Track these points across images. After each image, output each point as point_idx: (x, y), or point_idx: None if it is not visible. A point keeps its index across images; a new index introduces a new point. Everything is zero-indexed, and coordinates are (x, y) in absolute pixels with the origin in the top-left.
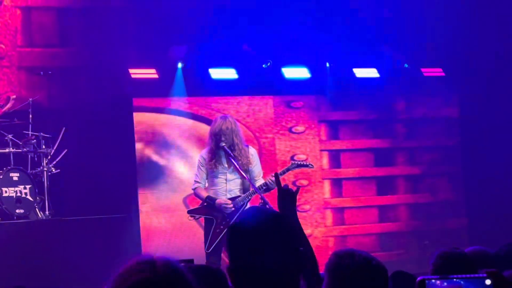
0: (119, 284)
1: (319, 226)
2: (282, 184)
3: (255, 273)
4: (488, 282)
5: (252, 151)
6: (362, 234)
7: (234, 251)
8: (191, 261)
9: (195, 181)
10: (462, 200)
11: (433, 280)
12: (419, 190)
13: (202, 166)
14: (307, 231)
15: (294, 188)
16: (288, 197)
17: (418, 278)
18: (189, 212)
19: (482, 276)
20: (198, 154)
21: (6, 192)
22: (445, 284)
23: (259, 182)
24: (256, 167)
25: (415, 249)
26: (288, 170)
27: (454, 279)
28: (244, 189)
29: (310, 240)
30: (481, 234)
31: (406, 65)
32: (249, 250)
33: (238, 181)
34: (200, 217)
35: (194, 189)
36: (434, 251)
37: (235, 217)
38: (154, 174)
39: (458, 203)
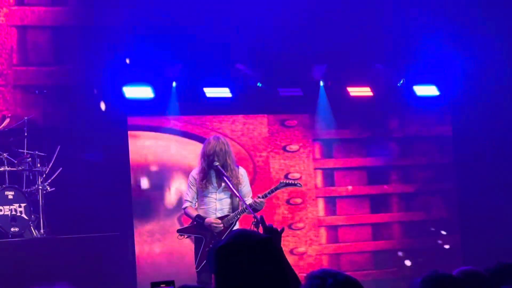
0: None
1: (313, 244)
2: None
3: None
4: None
5: (242, 171)
6: (356, 252)
7: (220, 273)
8: (171, 282)
9: (185, 200)
10: (456, 217)
11: None
12: (413, 208)
13: (192, 185)
14: (301, 249)
15: (280, 228)
16: (273, 236)
17: None
18: (178, 231)
19: None
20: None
21: (1, 210)
22: None
23: (248, 202)
24: (245, 187)
25: (409, 267)
26: (276, 189)
27: None
28: (233, 208)
29: (303, 258)
30: (474, 252)
31: (400, 83)
32: (234, 271)
33: (228, 200)
34: (190, 236)
35: (184, 208)
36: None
37: (224, 236)
38: (149, 192)
39: (451, 220)
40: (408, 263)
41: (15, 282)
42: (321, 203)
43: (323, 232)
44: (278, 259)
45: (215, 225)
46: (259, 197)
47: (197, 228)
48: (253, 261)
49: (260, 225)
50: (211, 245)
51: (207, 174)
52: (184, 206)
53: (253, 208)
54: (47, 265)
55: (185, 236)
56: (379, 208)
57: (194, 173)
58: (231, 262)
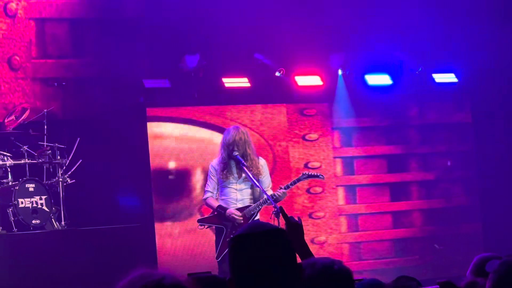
0: None
1: (333, 233)
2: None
3: (253, 286)
4: None
5: (262, 162)
6: (376, 240)
7: (234, 263)
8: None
9: (206, 190)
10: (477, 205)
11: None
12: (433, 195)
13: (213, 176)
14: (321, 238)
15: (299, 220)
16: (296, 229)
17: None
18: (199, 221)
19: None
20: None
21: (22, 203)
22: None
23: (268, 193)
24: (266, 178)
25: (430, 254)
26: (299, 180)
27: None
28: (254, 199)
29: (324, 247)
30: (495, 239)
31: (418, 70)
32: (248, 262)
33: (249, 190)
34: (210, 226)
35: (205, 199)
36: (456, 257)
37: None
38: (168, 183)
39: (472, 208)
40: (437, 246)
41: (36, 274)
42: (341, 192)
43: (343, 220)
44: (291, 251)
45: (235, 216)
46: (281, 188)
47: (218, 218)
48: (266, 251)
49: (280, 215)
50: (231, 236)
51: (228, 165)
52: (205, 196)
53: (275, 199)
54: (68, 257)
55: (206, 226)
56: (399, 196)
57: (214, 163)
58: (243, 252)
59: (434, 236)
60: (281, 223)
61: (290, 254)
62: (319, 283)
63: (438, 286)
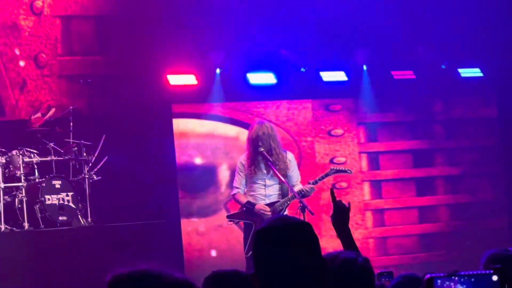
0: None
1: (360, 228)
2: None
3: (277, 280)
4: (495, 278)
5: (290, 157)
6: (403, 235)
7: (258, 257)
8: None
9: (234, 186)
10: (503, 199)
11: (439, 280)
12: (459, 190)
13: (241, 171)
14: None
15: (347, 204)
16: (342, 213)
17: (426, 276)
18: (228, 216)
19: (488, 273)
20: (237, 159)
21: (49, 199)
22: (452, 284)
23: (297, 187)
24: (294, 173)
25: (456, 249)
26: (327, 175)
27: (461, 277)
28: (283, 195)
29: None
30: None
31: (443, 66)
32: (272, 256)
33: (277, 186)
34: (239, 221)
35: (233, 195)
36: (482, 252)
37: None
38: (194, 179)
39: (498, 202)
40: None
41: (63, 271)
42: (366, 187)
43: (369, 215)
44: (316, 246)
45: (264, 211)
46: (309, 183)
47: (246, 214)
48: (290, 246)
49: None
50: None
51: (255, 160)
52: (233, 192)
53: (303, 194)
54: (95, 253)
55: (235, 222)
56: (425, 191)
57: (242, 159)
58: (267, 245)
59: (460, 231)
60: (307, 218)
61: (315, 248)
62: (339, 276)
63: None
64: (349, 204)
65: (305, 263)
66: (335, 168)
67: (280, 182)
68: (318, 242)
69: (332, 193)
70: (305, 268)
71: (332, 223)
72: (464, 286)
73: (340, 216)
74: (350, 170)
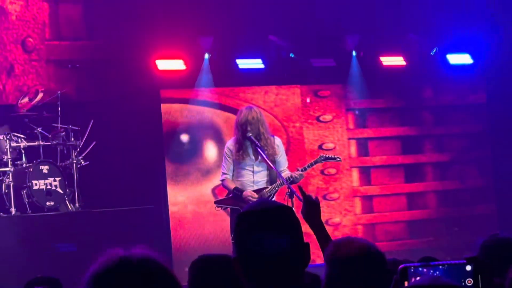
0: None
1: (348, 214)
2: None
3: (258, 264)
4: (468, 268)
5: (278, 142)
6: (391, 222)
7: (238, 241)
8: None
9: (222, 172)
10: (491, 186)
11: (412, 268)
12: (447, 177)
13: (228, 157)
14: (336, 219)
15: (315, 198)
16: (312, 207)
17: (400, 266)
18: (216, 202)
19: (462, 263)
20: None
21: (36, 184)
22: (425, 270)
23: (285, 173)
24: (282, 158)
25: (444, 236)
26: (316, 162)
27: (435, 266)
28: (271, 181)
29: (338, 228)
30: (510, 220)
31: (433, 52)
32: (253, 239)
33: (265, 172)
34: (227, 207)
35: (222, 181)
36: (471, 238)
37: None
38: (182, 164)
39: (487, 189)
40: (456, 229)
41: (50, 255)
42: (355, 173)
43: (357, 202)
44: (297, 229)
45: (252, 198)
46: (298, 170)
47: (234, 200)
48: (271, 229)
49: (295, 196)
50: None
51: (243, 145)
52: (221, 178)
53: (292, 181)
54: (82, 238)
55: (222, 208)
56: (413, 177)
57: (230, 144)
58: (248, 229)
59: (448, 218)
60: (295, 204)
61: (297, 232)
62: (354, 262)
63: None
64: (316, 198)
65: (286, 247)
66: (324, 155)
67: (269, 168)
68: (299, 226)
69: (300, 189)
70: (285, 252)
71: (304, 218)
72: (437, 273)
73: (310, 209)
74: (339, 158)
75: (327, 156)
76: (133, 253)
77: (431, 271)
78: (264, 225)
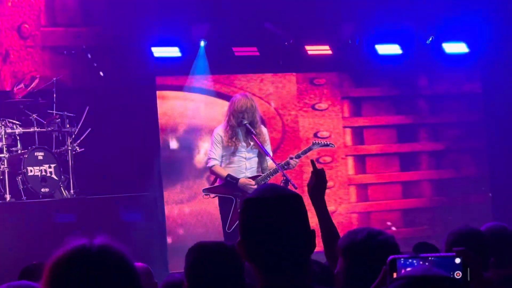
0: (55, 265)
1: (343, 202)
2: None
3: (265, 250)
4: (457, 260)
5: (265, 131)
6: (386, 210)
7: (245, 226)
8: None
9: (212, 158)
10: (486, 175)
11: (402, 260)
12: (442, 165)
13: (218, 143)
14: (330, 207)
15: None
16: (321, 181)
17: (389, 258)
18: (204, 190)
19: (451, 255)
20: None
21: (31, 171)
22: (414, 261)
23: (270, 161)
24: (268, 147)
25: (439, 224)
26: (310, 149)
27: (424, 258)
28: (261, 168)
29: (333, 216)
30: (505, 209)
31: (429, 40)
32: (259, 226)
33: (256, 159)
34: (216, 196)
35: (211, 167)
36: (454, 228)
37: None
38: (178, 150)
39: (481, 178)
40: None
41: (45, 242)
42: (350, 162)
43: (352, 190)
44: (305, 216)
45: (249, 185)
46: (291, 158)
47: (226, 188)
48: (276, 215)
49: (294, 182)
50: None
51: (236, 132)
52: (211, 164)
53: (285, 169)
54: (76, 225)
55: (211, 196)
56: (408, 166)
57: (220, 130)
58: (254, 215)
59: (443, 206)
60: None
61: (303, 219)
62: (363, 249)
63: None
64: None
65: (293, 235)
66: (317, 142)
67: (259, 156)
68: (306, 213)
69: (313, 163)
70: (292, 239)
71: (308, 192)
72: (426, 264)
73: (317, 183)
74: (332, 144)
75: (320, 142)
76: (94, 242)
77: (421, 262)
78: (270, 212)
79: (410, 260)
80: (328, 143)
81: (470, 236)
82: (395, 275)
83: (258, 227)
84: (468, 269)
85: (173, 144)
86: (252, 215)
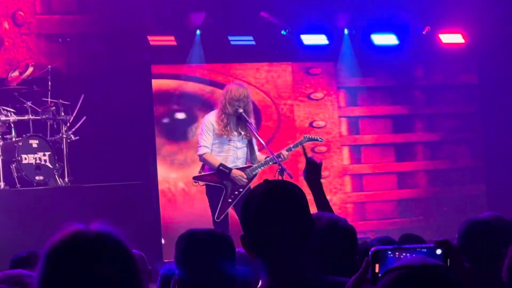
0: (51, 249)
1: (338, 192)
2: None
3: (267, 241)
4: (438, 251)
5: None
6: (381, 201)
7: (247, 218)
8: None
9: (203, 145)
10: (482, 166)
11: (388, 251)
12: (438, 156)
13: (209, 131)
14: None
15: (319, 160)
16: (314, 167)
17: (372, 249)
18: (194, 178)
19: (432, 246)
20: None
21: (25, 159)
22: (397, 253)
23: (258, 152)
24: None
25: (434, 215)
26: (300, 143)
27: (407, 250)
28: (251, 158)
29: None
30: (500, 201)
31: (426, 31)
32: (261, 217)
33: (245, 149)
34: (206, 184)
35: (202, 154)
36: (460, 218)
37: (246, 186)
38: (172, 140)
39: (477, 169)
40: None
41: (38, 230)
42: (346, 152)
43: (348, 180)
44: (303, 205)
45: (241, 177)
46: (283, 150)
47: (217, 177)
48: (278, 206)
49: (289, 171)
50: (232, 196)
51: (230, 121)
52: (202, 151)
53: (275, 162)
54: (71, 214)
55: (201, 184)
56: (404, 156)
57: (212, 118)
58: (256, 207)
59: (438, 197)
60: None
61: (304, 209)
62: (323, 237)
63: (434, 244)
64: (321, 161)
65: (294, 225)
66: (307, 136)
67: (248, 146)
68: (307, 205)
69: (304, 150)
70: (293, 229)
71: (304, 178)
72: (408, 255)
73: (311, 169)
74: (321, 139)
75: (310, 137)
76: (91, 228)
77: (403, 254)
78: (272, 203)
79: (392, 252)
80: (317, 137)
81: (485, 226)
82: (377, 266)
83: (259, 219)
84: (448, 259)
85: (168, 132)
86: (253, 207)
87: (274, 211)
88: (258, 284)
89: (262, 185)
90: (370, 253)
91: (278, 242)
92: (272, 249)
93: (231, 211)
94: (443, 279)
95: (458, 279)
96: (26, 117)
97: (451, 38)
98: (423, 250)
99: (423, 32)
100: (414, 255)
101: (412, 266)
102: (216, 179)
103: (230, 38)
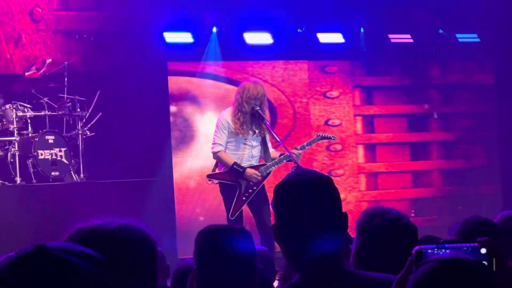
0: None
1: (353, 191)
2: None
3: (298, 233)
4: (483, 251)
5: None
6: (396, 199)
7: (279, 210)
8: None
9: (217, 143)
10: (497, 165)
11: (430, 250)
12: (453, 155)
13: (225, 129)
14: (340, 196)
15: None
16: None
17: (415, 248)
18: (208, 176)
19: (476, 245)
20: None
21: (42, 154)
22: (442, 251)
23: (272, 150)
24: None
25: (448, 214)
26: (313, 142)
27: (450, 248)
28: (265, 157)
29: (343, 205)
30: None
31: (441, 31)
32: (292, 209)
33: (259, 147)
34: (220, 182)
35: (216, 152)
36: (465, 218)
37: (260, 185)
38: (188, 137)
39: (492, 168)
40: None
41: (54, 226)
42: (361, 150)
43: (362, 179)
44: (335, 198)
45: (255, 176)
46: (296, 149)
47: (232, 175)
48: (309, 199)
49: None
50: (247, 194)
51: (246, 119)
52: (216, 149)
53: (289, 160)
54: (86, 209)
55: (215, 182)
56: (419, 155)
57: (227, 116)
58: (288, 199)
59: (453, 196)
60: None
61: (336, 202)
62: (387, 233)
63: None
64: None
65: (326, 218)
66: (320, 134)
67: (262, 144)
68: (339, 196)
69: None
70: (325, 222)
71: None
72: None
73: None
74: (334, 137)
75: (322, 135)
76: (113, 220)
77: (447, 252)
78: (303, 195)
79: (436, 251)
80: (330, 136)
81: (484, 226)
82: None
83: (290, 210)
84: (494, 259)
85: (184, 129)
86: (284, 199)
87: (303, 202)
88: (274, 281)
89: (291, 176)
90: (413, 252)
91: (306, 233)
92: (300, 241)
93: (245, 208)
94: (474, 272)
95: (489, 273)
96: (42, 113)
97: (467, 37)
98: (467, 249)
99: (439, 31)
100: (449, 251)
101: (443, 259)
102: (230, 177)
103: (246, 35)
